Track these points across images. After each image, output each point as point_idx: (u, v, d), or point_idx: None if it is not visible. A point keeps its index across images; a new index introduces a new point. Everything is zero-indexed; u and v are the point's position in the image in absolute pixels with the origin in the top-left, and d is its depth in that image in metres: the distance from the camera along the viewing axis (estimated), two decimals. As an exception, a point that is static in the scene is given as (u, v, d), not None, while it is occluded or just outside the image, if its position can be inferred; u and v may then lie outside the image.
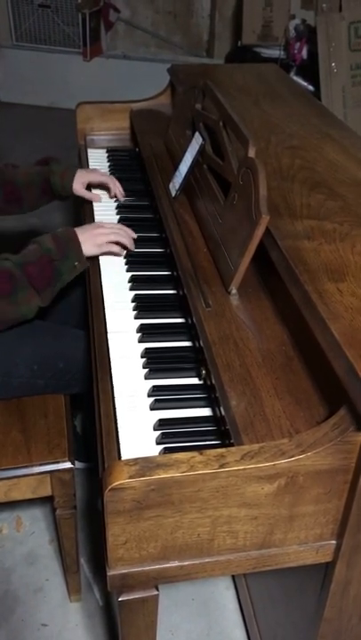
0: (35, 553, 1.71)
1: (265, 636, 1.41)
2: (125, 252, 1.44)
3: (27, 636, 1.53)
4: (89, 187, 1.69)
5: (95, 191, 1.71)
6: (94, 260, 1.46)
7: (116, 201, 1.70)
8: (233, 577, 1.66)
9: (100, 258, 1.47)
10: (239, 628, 1.56)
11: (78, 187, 1.64)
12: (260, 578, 1.40)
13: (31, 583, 1.64)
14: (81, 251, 1.33)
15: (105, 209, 1.67)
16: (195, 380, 1.14)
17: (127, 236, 1.43)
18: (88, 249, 1.35)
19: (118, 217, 1.63)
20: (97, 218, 1.61)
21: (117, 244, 1.42)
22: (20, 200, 1.63)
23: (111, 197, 1.70)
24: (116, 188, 1.68)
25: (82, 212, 1.70)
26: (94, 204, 1.67)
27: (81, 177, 1.65)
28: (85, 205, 1.69)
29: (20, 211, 1.67)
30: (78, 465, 1.80)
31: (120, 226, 1.46)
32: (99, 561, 1.68)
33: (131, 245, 1.43)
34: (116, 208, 1.67)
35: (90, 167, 1.90)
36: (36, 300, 1.28)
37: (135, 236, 1.47)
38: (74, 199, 1.71)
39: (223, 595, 1.64)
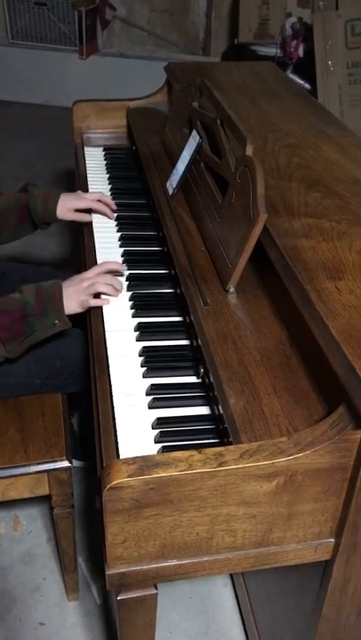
0: (32, 552, 1.71)
1: (263, 634, 1.41)
2: (108, 302, 1.32)
3: (24, 634, 1.53)
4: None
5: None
6: (93, 258, 1.46)
7: (113, 199, 1.69)
8: (231, 575, 1.66)
9: (98, 256, 1.47)
10: (237, 626, 1.56)
11: (64, 212, 1.53)
12: (258, 576, 1.40)
13: (28, 582, 1.64)
14: (62, 310, 1.24)
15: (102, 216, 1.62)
16: (193, 379, 1.14)
17: (108, 281, 1.31)
18: (72, 307, 1.26)
19: (115, 215, 1.62)
20: (95, 223, 1.57)
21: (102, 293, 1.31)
22: None
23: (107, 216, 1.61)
24: (105, 209, 1.59)
25: (82, 232, 1.61)
26: (93, 215, 1.59)
27: (67, 202, 1.53)
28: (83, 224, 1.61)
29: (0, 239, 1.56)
30: (76, 464, 1.81)
31: (106, 267, 1.33)
32: (96, 560, 1.68)
33: (113, 293, 1.32)
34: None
35: (87, 166, 1.89)
36: (1, 350, 1.22)
37: (124, 272, 1.38)
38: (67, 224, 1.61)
39: (221, 593, 1.64)
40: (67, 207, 1.54)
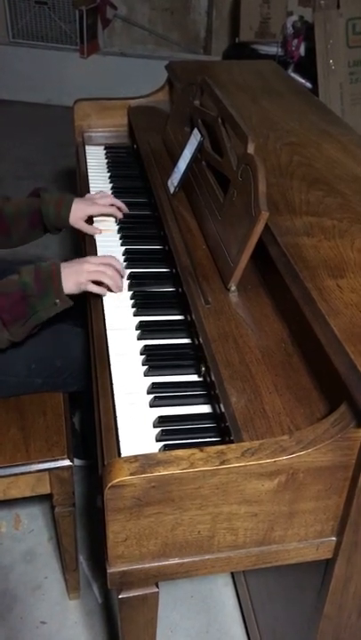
0: (33, 551, 1.71)
1: (264, 633, 1.41)
2: (107, 292, 1.31)
3: (25, 633, 1.53)
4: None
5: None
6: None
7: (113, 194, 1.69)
8: (232, 574, 1.66)
9: (98, 254, 1.47)
10: (238, 625, 1.56)
11: (76, 220, 1.53)
12: (260, 575, 1.40)
13: (30, 581, 1.64)
14: (61, 289, 1.23)
15: (104, 218, 1.61)
16: (194, 377, 1.14)
17: (113, 275, 1.31)
18: (69, 287, 1.24)
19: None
20: (96, 225, 1.56)
21: (101, 283, 1.30)
22: (7, 232, 1.52)
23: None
24: (117, 212, 1.58)
25: (81, 236, 1.61)
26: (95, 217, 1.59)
27: (80, 210, 1.53)
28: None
29: (9, 243, 1.55)
30: (77, 462, 1.80)
31: (109, 260, 1.33)
32: (97, 558, 1.68)
33: (115, 288, 1.31)
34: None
35: (88, 165, 1.89)
36: (4, 333, 1.22)
37: (124, 274, 1.36)
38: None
39: (222, 592, 1.64)
40: (79, 215, 1.54)
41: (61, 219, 1.53)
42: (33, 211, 1.52)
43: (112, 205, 1.59)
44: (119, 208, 1.60)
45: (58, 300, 1.24)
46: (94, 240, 1.52)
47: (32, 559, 1.69)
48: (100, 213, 1.58)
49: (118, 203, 1.60)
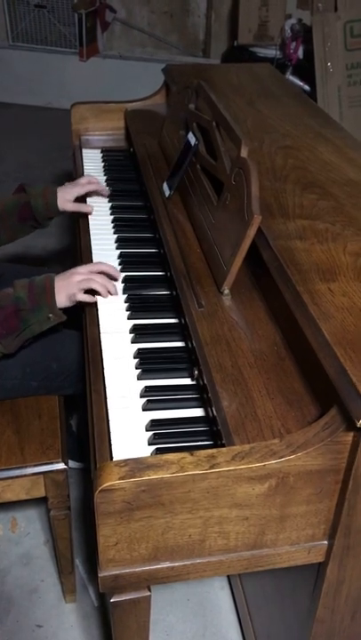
0: (30, 554, 1.71)
1: (260, 637, 1.41)
2: (97, 300, 1.32)
3: (22, 637, 1.53)
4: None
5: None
6: (89, 260, 1.46)
7: (109, 201, 1.69)
8: (228, 577, 1.66)
9: (94, 257, 1.47)
10: (234, 629, 1.56)
11: (64, 203, 1.57)
12: (255, 578, 1.40)
13: (26, 584, 1.64)
14: (54, 303, 1.24)
15: (98, 213, 1.64)
16: (187, 381, 1.14)
17: (102, 281, 1.31)
18: (61, 301, 1.25)
19: (112, 217, 1.63)
20: (91, 224, 1.58)
21: (94, 291, 1.31)
22: None
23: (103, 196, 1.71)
24: (99, 187, 1.67)
25: (76, 227, 1.64)
26: (90, 217, 1.62)
27: (65, 193, 1.58)
28: (80, 219, 1.64)
29: None
30: (73, 465, 1.81)
31: (98, 267, 1.33)
32: (94, 561, 1.67)
33: (105, 294, 1.31)
34: (110, 209, 1.67)
35: (84, 168, 1.90)
36: None
37: (118, 277, 1.36)
38: (69, 215, 1.65)
39: (218, 595, 1.64)
40: (67, 198, 1.58)
41: (50, 207, 1.56)
42: (22, 205, 1.55)
43: (92, 183, 1.66)
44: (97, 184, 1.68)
45: (51, 315, 1.24)
46: (89, 244, 1.52)
47: (28, 562, 1.69)
48: (86, 192, 1.64)
49: (95, 180, 1.68)
